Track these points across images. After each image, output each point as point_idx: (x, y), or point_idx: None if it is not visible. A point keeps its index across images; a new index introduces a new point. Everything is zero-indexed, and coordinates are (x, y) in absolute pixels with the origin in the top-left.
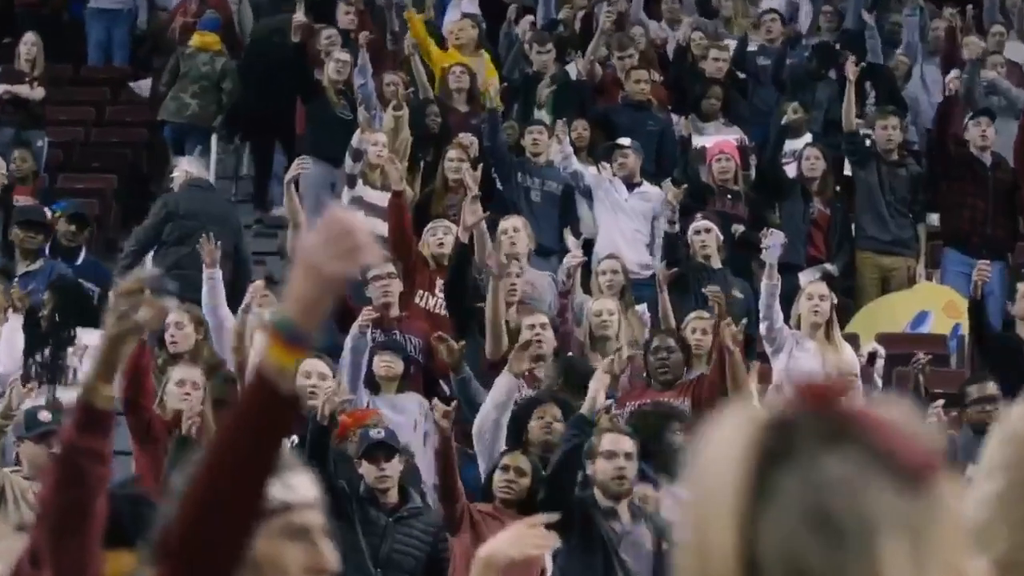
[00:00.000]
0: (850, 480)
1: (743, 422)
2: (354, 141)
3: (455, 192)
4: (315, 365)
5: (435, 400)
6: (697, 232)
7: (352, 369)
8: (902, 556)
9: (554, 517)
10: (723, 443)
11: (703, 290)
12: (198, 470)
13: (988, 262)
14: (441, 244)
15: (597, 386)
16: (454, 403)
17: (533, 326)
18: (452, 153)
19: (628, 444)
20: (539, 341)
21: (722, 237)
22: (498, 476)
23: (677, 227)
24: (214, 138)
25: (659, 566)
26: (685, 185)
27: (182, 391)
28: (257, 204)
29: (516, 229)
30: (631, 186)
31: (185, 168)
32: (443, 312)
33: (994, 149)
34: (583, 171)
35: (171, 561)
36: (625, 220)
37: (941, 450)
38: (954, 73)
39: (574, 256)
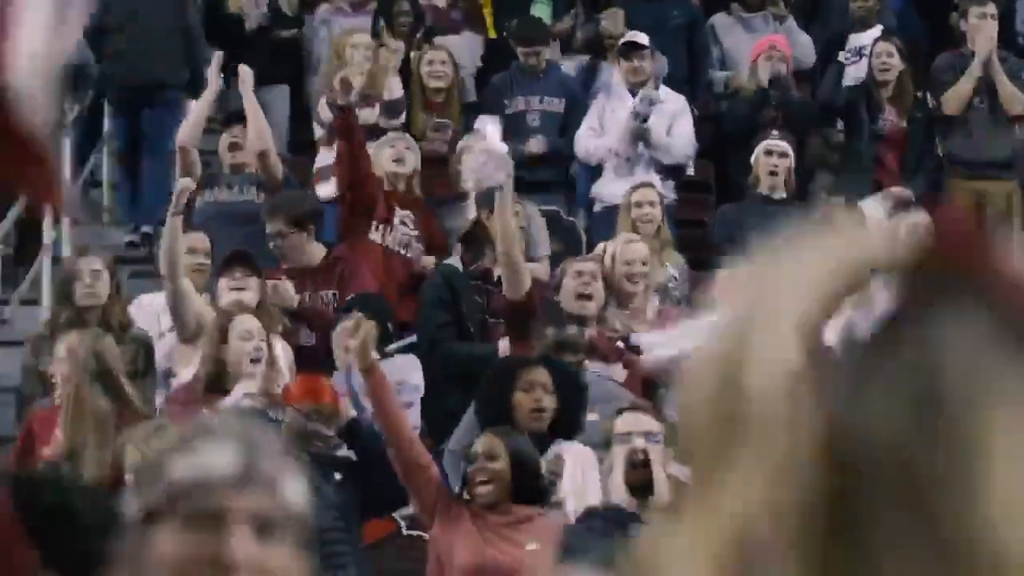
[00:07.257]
0: (964, 345)
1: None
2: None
3: (438, 107)
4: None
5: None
6: (768, 153)
7: None
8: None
9: None
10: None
11: None
12: None
13: None
14: (400, 160)
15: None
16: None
17: (581, 273)
18: (432, 55)
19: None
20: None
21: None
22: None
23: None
24: None
25: None
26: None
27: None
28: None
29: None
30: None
31: None
32: (400, 250)
33: None
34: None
35: None
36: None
37: None
38: None
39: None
